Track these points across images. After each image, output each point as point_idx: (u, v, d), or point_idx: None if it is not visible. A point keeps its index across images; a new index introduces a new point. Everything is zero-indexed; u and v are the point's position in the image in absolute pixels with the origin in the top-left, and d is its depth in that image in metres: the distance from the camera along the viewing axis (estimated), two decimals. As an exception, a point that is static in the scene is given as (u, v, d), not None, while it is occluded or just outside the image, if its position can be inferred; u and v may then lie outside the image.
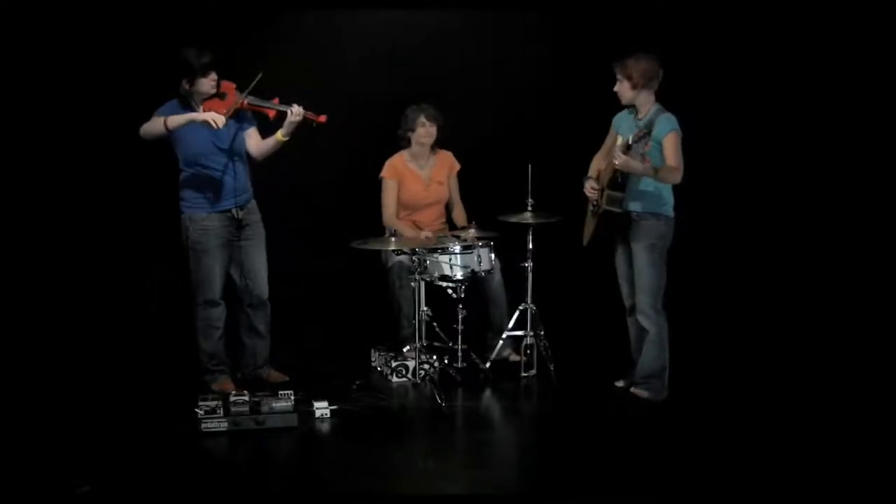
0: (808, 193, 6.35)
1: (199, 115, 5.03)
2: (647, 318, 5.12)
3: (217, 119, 4.99)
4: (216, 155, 5.19)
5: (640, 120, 5.06)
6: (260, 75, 5.06)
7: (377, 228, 5.92)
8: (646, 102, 5.05)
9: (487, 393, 5.48)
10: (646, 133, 4.83)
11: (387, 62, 6.48)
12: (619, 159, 4.86)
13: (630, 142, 4.83)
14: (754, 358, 5.88)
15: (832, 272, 6.29)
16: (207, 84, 5.12)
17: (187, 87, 5.11)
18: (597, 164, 5.30)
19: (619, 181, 5.01)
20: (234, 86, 5.18)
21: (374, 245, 5.45)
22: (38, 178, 6.07)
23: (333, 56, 6.42)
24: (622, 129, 5.13)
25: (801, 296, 6.31)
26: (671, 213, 5.11)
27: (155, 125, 5.06)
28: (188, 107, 5.14)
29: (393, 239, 5.37)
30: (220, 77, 5.16)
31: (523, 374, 5.67)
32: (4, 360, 5.57)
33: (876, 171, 6.19)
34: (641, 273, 5.10)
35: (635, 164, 4.88)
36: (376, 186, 5.98)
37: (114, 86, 6.08)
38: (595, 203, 5.20)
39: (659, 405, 5.12)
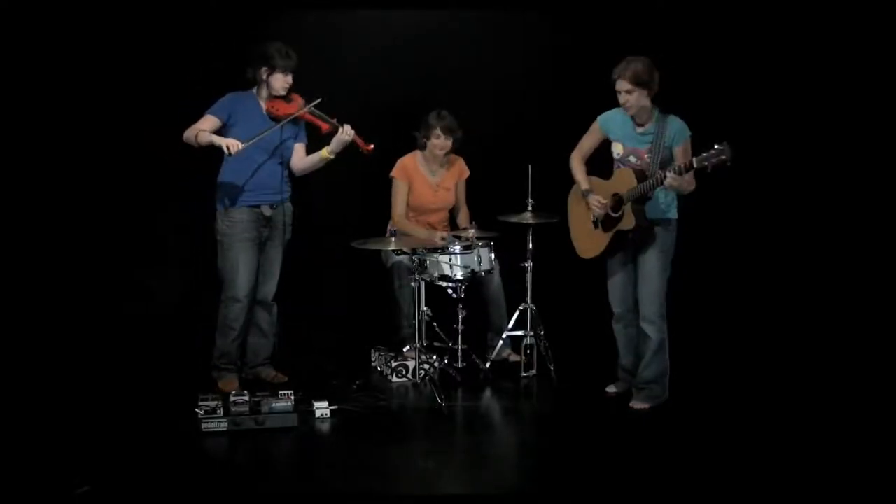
0: (807, 196, 6.34)
1: (220, 140, 5.07)
2: (653, 325, 5.04)
3: (231, 146, 5.04)
4: (268, 149, 5.25)
5: (641, 126, 4.97)
6: (320, 99, 5.24)
7: (378, 228, 5.92)
8: (647, 107, 4.95)
9: (487, 393, 5.48)
10: (724, 159, 4.58)
11: (386, 63, 6.48)
12: (675, 181, 4.71)
13: (696, 165, 4.63)
14: (753, 360, 5.89)
15: (831, 274, 6.29)
16: (282, 82, 5.23)
17: (264, 77, 5.20)
18: (580, 167, 5.20)
19: (648, 197, 4.91)
20: (302, 100, 5.29)
21: (374, 245, 5.45)
22: (43, 176, 6.08)
23: (333, 56, 6.42)
24: (616, 134, 5.05)
25: (800, 298, 6.31)
26: (676, 215, 5.06)
27: (190, 135, 5.13)
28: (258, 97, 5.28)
29: (393, 239, 5.37)
30: (294, 88, 5.29)
31: (523, 374, 5.67)
32: (5, 360, 5.57)
33: (877, 174, 6.19)
34: (652, 280, 5.01)
35: (683, 185, 4.80)
36: (377, 186, 5.98)
37: (117, 86, 6.09)
38: (605, 216, 5.09)
39: (659, 406, 5.11)
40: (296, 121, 5.30)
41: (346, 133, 5.23)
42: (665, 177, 4.75)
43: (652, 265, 5.02)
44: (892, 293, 6.11)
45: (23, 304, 6.01)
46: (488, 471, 4.49)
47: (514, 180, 5.66)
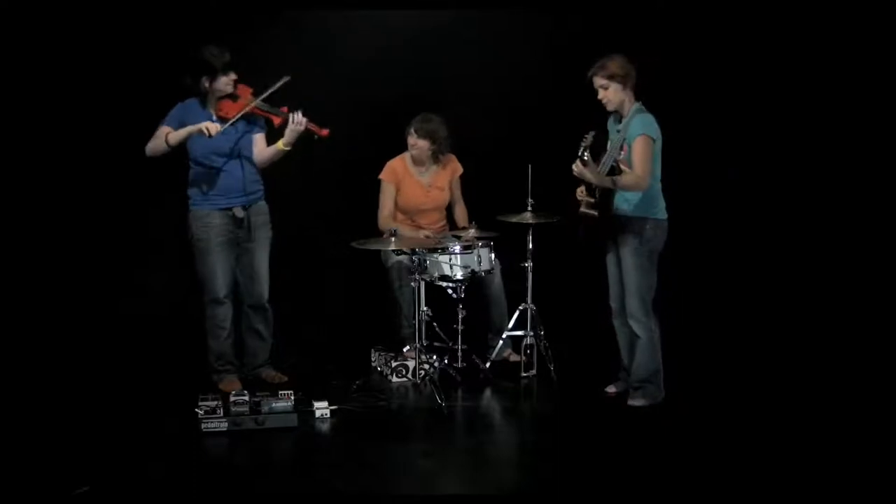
0: (803, 194, 6.35)
1: (195, 127, 5.07)
2: (638, 322, 5.07)
3: (210, 127, 5.04)
4: (223, 153, 5.22)
5: (621, 121, 5.02)
6: (285, 79, 5.11)
7: (377, 229, 5.92)
8: (628, 103, 5.00)
9: (487, 393, 5.48)
10: (587, 146, 4.77)
11: (386, 63, 6.48)
12: (576, 168, 4.85)
13: (580, 152, 4.79)
14: (751, 359, 5.88)
15: (827, 271, 6.29)
16: (225, 82, 5.18)
17: (207, 85, 5.15)
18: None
19: (591, 187, 4.99)
20: (250, 90, 5.25)
21: (374, 245, 5.45)
22: (42, 177, 6.08)
23: (331, 57, 6.42)
24: (611, 131, 5.11)
25: (796, 296, 6.31)
26: (662, 215, 5.05)
27: (158, 144, 5.13)
28: (205, 106, 5.19)
29: (393, 239, 5.37)
30: (239, 80, 5.22)
31: (523, 374, 5.67)
32: (6, 360, 5.57)
33: (873, 172, 6.19)
34: (629, 277, 5.05)
35: (589, 175, 4.86)
36: (377, 186, 5.97)
37: (116, 87, 6.09)
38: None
39: (658, 406, 5.11)
40: (247, 115, 5.23)
41: (297, 123, 5.15)
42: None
43: (628, 263, 5.05)
44: (887, 290, 6.11)
45: (22, 304, 6.00)
46: (488, 471, 4.49)
47: (514, 180, 5.66)
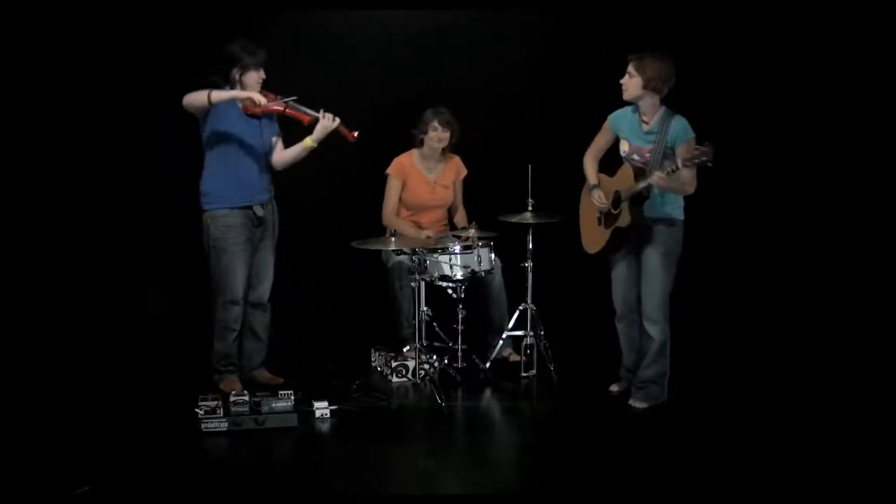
0: (808, 195, 6.34)
1: (245, 93, 5.03)
2: (656, 324, 5.03)
3: (259, 98, 5.00)
4: (248, 142, 5.19)
5: (646, 124, 4.96)
6: (295, 97, 5.15)
7: (378, 228, 5.92)
8: (652, 105, 4.93)
9: (487, 393, 5.48)
10: (704, 160, 4.59)
11: (387, 63, 6.48)
12: (663, 181, 4.74)
13: (680, 165, 4.67)
14: (753, 362, 5.89)
15: (831, 276, 6.29)
16: (255, 78, 5.16)
17: (238, 76, 5.12)
18: (591, 163, 5.20)
19: (645, 195, 4.92)
20: (272, 95, 5.21)
21: (374, 245, 5.45)
22: (43, 177, 6.08)
23: (333, 57, 6.42)
24: (624, 132, 5.05)
25: (799, 300, 6.31)
26: (682, 215, 5.04)
27: (199, 96, 5.01)
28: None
29: (393, 239, 5.37)
30: (294, 89, 5.21)
31: (523, 374, 5.67)
32: (6, 360, 5.57)
33: (881, 174, 6.18)
34: (653, 280, 5.00)
35: (674, 185, 4.82)
36: (377, 186, 5.98)
37: (116, 88, 6.09)
38: (606, 212, 5.10)
39: (658, 406, 5.11)
40: (272, 116, 5.25)
41: (329, 120, 5.18)
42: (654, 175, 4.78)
43: (653, 264, 5.00)
44: (892, 295, 6.11)
45: (22, 304, 6.01)
46: (488, 471, 4.49)
47: (514, 180, 5.66)
